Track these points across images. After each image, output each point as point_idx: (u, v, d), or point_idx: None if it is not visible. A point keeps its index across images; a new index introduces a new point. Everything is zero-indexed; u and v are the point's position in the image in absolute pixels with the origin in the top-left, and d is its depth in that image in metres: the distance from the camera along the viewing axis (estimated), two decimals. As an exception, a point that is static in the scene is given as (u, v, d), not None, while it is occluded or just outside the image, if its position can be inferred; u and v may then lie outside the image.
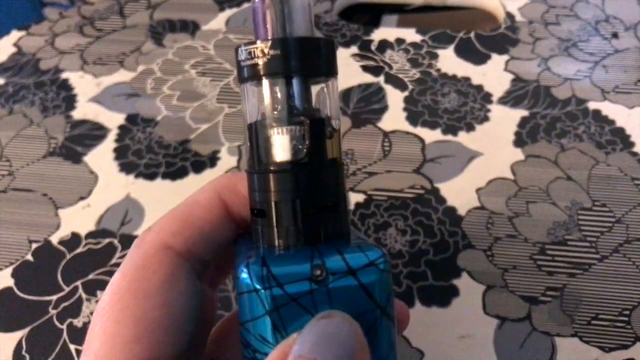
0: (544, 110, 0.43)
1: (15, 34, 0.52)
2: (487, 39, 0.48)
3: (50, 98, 0.46)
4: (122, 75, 0.47)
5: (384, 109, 0.44)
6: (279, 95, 0.21)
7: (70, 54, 0.49)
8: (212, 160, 0.42)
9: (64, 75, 0.48)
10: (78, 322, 0.34)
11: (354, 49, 0.48)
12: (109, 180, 0.41)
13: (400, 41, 0.48)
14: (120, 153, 0.43)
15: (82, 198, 0.40)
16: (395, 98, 0.44)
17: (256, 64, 0.20)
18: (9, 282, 0.36)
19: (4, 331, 0.34)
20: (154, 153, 0.42)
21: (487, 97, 0.44)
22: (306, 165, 0.20)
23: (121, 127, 0.44)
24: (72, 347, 0.33)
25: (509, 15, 0.49)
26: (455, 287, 0.35)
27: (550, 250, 0.36)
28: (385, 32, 0.49)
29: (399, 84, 0.45)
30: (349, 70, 0.46)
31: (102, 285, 0.36)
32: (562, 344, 0.32)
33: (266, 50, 0.20)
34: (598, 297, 0.34)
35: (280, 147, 0.20)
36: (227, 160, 0.42)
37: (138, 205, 0.40)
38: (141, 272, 0.20)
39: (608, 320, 0.33)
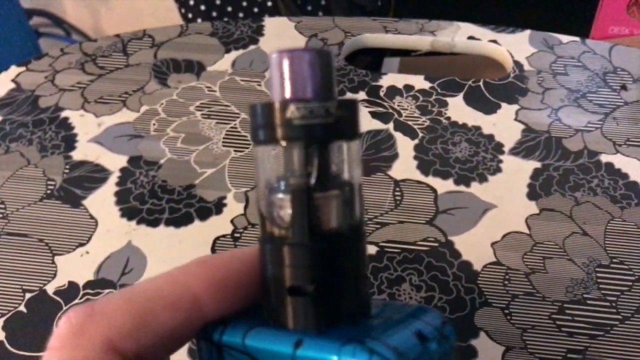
0: (556, 162, 0.42)
1: (14, 70, 0.50)
2: (496, 87, 0.47)
3: (49, 137, 0.45)
4: (125, 116, 0.46)
5: (394, 156, 0.43)
6: (320, 158, 0.19)
7: (70, 91, 0.48)
8: (218, 206, 0.40)
9: (63, 114, 0.46)
10: (75, 382, 0.32)
11: (362, 95, 0.47)
12: (109, 226, 0.40)
13: (408, 87, 0.47)
14: (121, 197, 0.41)
15: (80, 245, 0.39)
16: (405, 145, 0.43)
17: (316, 125, 0.18)
18: (0, 335, 0.34)
19: (-5, 391, 0.32)
20: (157, 198, 0.41)
21: (499, 147, 0.43)
22: (359, 236, 0.19)
23: (123, 170, 0.43)
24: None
25: (517, 64, 0.49)
26: (474, 348, 0.33)
27: (569, 310, 0.35)
28: (393, 78, 0.48)
29: (409, 131, 0.44)
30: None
31: (101, 341, 0.34)
32: (587, 413, 0.31)
33: (332, 110, 0.18)
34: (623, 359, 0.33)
35: (330, 215, 0.19)
36: (233, 206, 0.40)
37: (140, 254, 0.38)
38: None
39: (634, 387, 0.32)
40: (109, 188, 0.42)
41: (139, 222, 0.40)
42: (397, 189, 0.41)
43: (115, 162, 0.43)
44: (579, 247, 0.38)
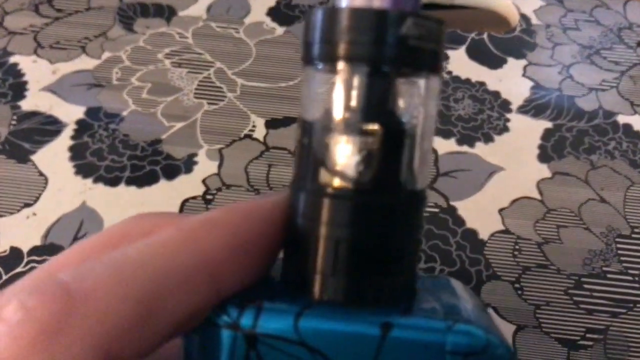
0: (569, 122, 0.38)
1: (-44, 10, 0.44)
2: (502, 41, 0.43)
3: (-6, 85, 0.39)
4: (84, 63, 0.40)
5: (389, 113, 0.38)
6: (382, 90, 0.14)
7: (22, 35, 0.42)
8: (188, 164, 0.35)
9: (13, 59, 0.40)
10: None
11: (354, 46, 0.42)
12: (61, 185, 0.34)
13: (405, 39, 0.42)
14: (76, 153, 0.36)
15: (26, 205, 0.33)
16: (401, 102, 0.39)
17: (385, 44, 0.13)
18: None
19: None
20: (118, 154, 0.35)
21: (506, 105, 0.39)
22: (410, 193, 0.15)
23: (79, 122, 0.37)
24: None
25: (524, 18, 0.45)
26: (481, 326, 0.29)
27: (587, 284, 0.31)
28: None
29: (406, 87, 0.39)
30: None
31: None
32: (613, 401, 0.27)
33: (404, 29, 0.13)
34: (647, 341, 0.29)
35: (388, 164, 0.14)
36: (206, 165, 0.35)
37: (96, 216, 0.33)
38: None
39: (664, 371, 0.28)
40: (63, 142, 0.36)
41: (95, 181, 0.34)
42: (393, 148, 0.36)
43: (70, 113, 0.37)
44: (596, 214, 0.33)
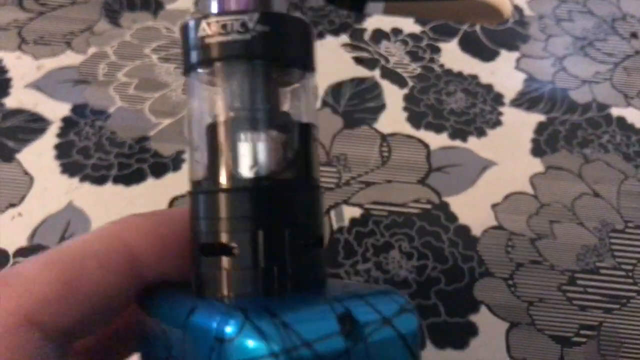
0: (563, 115, 0.37)
1: (-62, 5, 0.43)
2: (494, 32, 0.42)
3: (-23, 82, 0.38)
4: (69, 58, 0.40)
5: (380, 107, 0.37)
6: (256, 87, 0.15)
7: (5, 30, 0.41)
8: (176, 162, 0.34)
9: (-4, 55, 0.40)
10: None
11: (345, 38, 0.41)
12: (47, 184, 0.34)
13: (396, 31, 0.42)
14: (62, 151, 0.35)
15: (11, 205, 0.33)
16: (393, 96, 0.38)
17: (234, 42, 0.14)
18: None
19: None
20: (105, 152, 0.35)
21: (498, 98, 0.38)
22: (302, 184, 0.15)
23: (65, 120, 0.36)
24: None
25: (517, 9, 0.44)
26: (473, 324, 0.29)
27: (581, 280, 0.31)
28: (379, 20, 0.43)
29: (398, 80, 0.39)
30: (340, 61, 0.40)
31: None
32: (606, 399, 0.26)
33: (251, 25, 0.14)
34: (640, 337, 0.29)
35: (269, 157, 0.15)
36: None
37: (82, 216, 0.32)
38: None
39: (658, 368, 0.27)
40: (48, 140, 0.35)
41: (82, 180, 0.34)
42: (385, 144, 0.36)
43: (56, 110, 0.37)
44: (590, 209, 0.33)
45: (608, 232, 0.32)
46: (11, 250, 0.31)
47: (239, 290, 0.14)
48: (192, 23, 0.15)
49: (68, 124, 0.36)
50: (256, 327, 0.12)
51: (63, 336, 0.14)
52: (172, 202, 0.33)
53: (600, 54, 0.41)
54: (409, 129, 0.36)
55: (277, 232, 0.14)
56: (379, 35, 0.41)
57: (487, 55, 0.41)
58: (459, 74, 0.39)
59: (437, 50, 0.41)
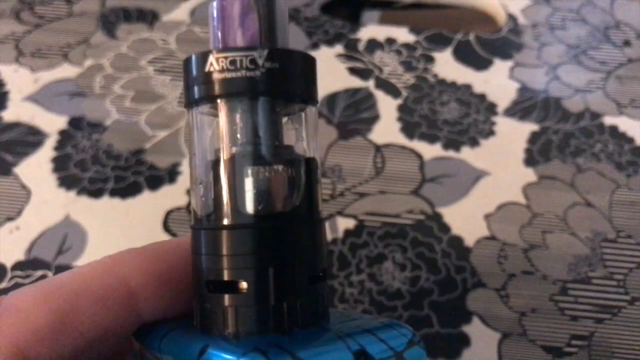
0: (556, 124, 0.38)
1: (-64, 18, 0.44)
2: (488, 41, 0.42)
3: (-25, 95, 0.39)
4: (66, 71, 0.40)
5: (374, 118, 0.38)
6: (261, 122, 0.15)
7: (2, 43, 0.41)
8: (172, 174, 0.35)
9: (-6, 69, 0.40)
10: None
11: (339, 49, 0.42)
12: (44, 198, 0.34)
13: (390, 41, 0.42)
14: (59, 164, 0.35)
15: (9, 219, 0.33)
16: (387, 106, 0.38)
17: (245, 78, 0.14)
18: None
19: None
20: (101, 165, 0.35)
21: (492, 108, 0.38)
22: (307, 218, 0.15)
23: (62, 133, 0.37)
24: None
25: (511, 17, 0.44)
26: (466, 335, 0.29)
27: (572, 290, 0.31)
28: (373, 30, 0.43)
29: (392, 90, 0.39)
30: (334, 72, 0.40)
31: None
32: (597, 410, 0.27)
33: (260, 61, 0.14)
34: (632, 347, 0.29)
35: (274, 192, 0.15)
36: (189, 175, 0.35)
37: (80, 229, 0.33)
38: None
39: (648, 378, 0.28)
40: (45, 153, 0.36)
41: (79, 193, 0.34)
42: (378, 154, 0.36)
43: (53, 123, 0.37)
44: (582, 219, 0.33)
45: (600, 241, 0.33)
46: (9, 264, 0.31)
47: (248, 327, 0.14)
48: (195, 57, 0.15)
49: (65, 137, 0.36)
50: None
51: None
52: (168, 215, 0.33)
53: (594, 62, 0.42)
54: (402, 140, 0.37)
55: (286, 269, 0.15)
56: (373, 45, 0.42)
57: (480, 64, 0.41)
58: (453, 84, 0.40)
59: (431, 59, 0.41)
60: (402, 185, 0.35)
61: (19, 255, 0.32)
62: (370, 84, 0.40)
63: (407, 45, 0.42)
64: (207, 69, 0.15)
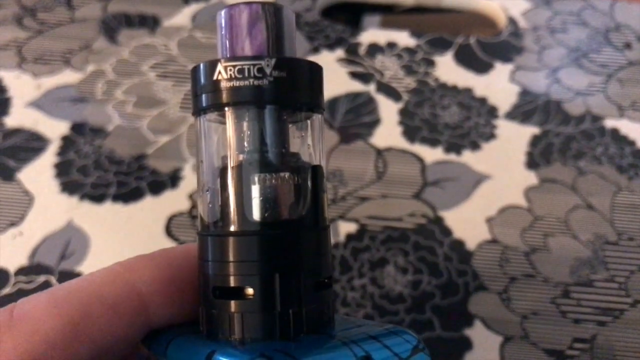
0: (557, 127, 0.38)
1: (-61, 25, 0.44)
2: (489, 45, 0.42)
3: (-22, 101, 0.39)
4: (68, 77, 0.40)
5: (375, 122, 0.38)
6: (268, 130, 0.15)
7: (5, 49, 0.42)
8: (174, 179, 0.35)
9: (-4, 75, 0.40)
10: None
11: (340, 53, 0.42)
12: (47, 203, 0.34)
13: (391, 45, 0.42)
14: (62, 169, 0.35)
15: (12, 224, 0.33)
16: (388, 110, 0.39)
17: (252, 87, 0.15)
18: None
19: None
20: (104, 170, 0.35)
21: (493, 111, 0.39)
22: (314, 225, 0.16)
23: (64, 138, 0.37)
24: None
25: (512, 21, 0.44)
26: (468, 338, 0.29)
27: (574, 293, 0.31)
28: (374, 34, 0.43)
29: (392, 94, 0.39)
30: (335, 76, 0.40)
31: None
32: (599, 413, 0.27)
33: (268, 70, 0.15)
34: (634, 349, 0.29)
35: (282, 199, 0.15)
36: (191, 179, 0.35)
37: (82, 235, 0.33)
38: None
39: (651, 381, 0.28)
40: (48, 159, 0.36)
41: (81, 198, 0.34)
42: (380, 158, 0.36)
43: (55, 129, 0.37)
44: (583, 222, 0.33)
45: (601, 244, 0.33)
46: (12, 269, 0.32)
47: (254, 333, 0.14)
48: (203, 65, 0.15)
49: (67, 142, 0.37)
50: None
51: None
52: (170, 220, 0.33)
53: (594, 65, 0.42)
54: (403, 143, 0.37)
55: (293, 275, 0.15)
56: (374, 49, 0.42)
57: (481, 67, 0.41)
58: (454, 88, 0.40)
59: (432, 63, 0.41)
60: (404, 189, 0.35)
61: (22, 260, 0.32)
62: (371, 88, 0.40)
63: (408, 49, 0.42)
64: (215, 77, 0.15)
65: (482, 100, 0.39)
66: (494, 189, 0.35)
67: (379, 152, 0.36)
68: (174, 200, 0.34)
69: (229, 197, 0.15)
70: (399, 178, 0.35)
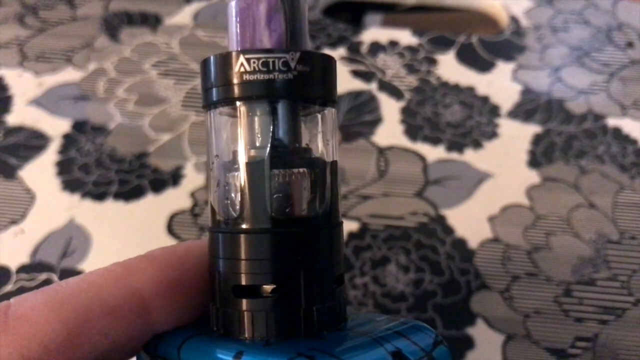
0: (559, 126, 0.38)
1: (-59, 23, 0.44)
2: (491, 44, 0.42)
3: (-20, 99, 0.39)
4: (70, 75, 0.40)
5: (377, 121, 0.38)
6: (284, 125, 0.15)
7: (6, 47, 0.42)
8: (175, 177, 0.35)
9: (-2, 73, 0.40)
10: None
11: (342, 51, 0.42)
12: (48, 201, 0.34)
13: (393, 44, 0.42)
14: (63, 167, 0.35)
15: (13, 222, 0.33)
16: (390, 109, 0.38)
17: (279, 80, 0.14)
18: None
19: None
20: (105, 168, 0.35)
21: (495, 110, 0.38)
22: (330, 221, 0.15)
23: (66, 136, 0.37)
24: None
25: (514, 19, 0.44)
26: (470, 337, 0.29)
27: (576, 292, 0.31)
28: (376, 32, 0.43)
29: (394, 93, 0.39)
30: (337, 75, 0.40)
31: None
32: (602, 412, 0.27)
33: (293, 64, 0.14)
34: (636, 348, 0.29)
35: (299, 195, 0.15)
36: (193, 177, 0.35)
37: (84, 233, 0.33)
38: None
39: (653, 380, 0.28)
40: (49, 157, 0.36)
41: (83, 196, 0.34)
42: (382, 157, 0.36)
43: (57, 127, 0.37)
44: (585, 220, 0.33)
45: (604, 243, 0.32)
46: (14, 266, 0.31)
47: (279, 331, 0.14)
48: (218, 58, 0.15)
49: (69, 140, 0.37)
50: None
51: None
52: (172, 218, 0.33)
53: (597, 64, 0.41)
54: (405, 142, 0.37)
55: (315, 272, 0.14)
56: (375, 48, 0.42)
57: (483, 66, 0.41)
58: (456, 86, 0.40)
59: (433, 62, 0.41)
60: (406, 188, 0.35)
61: (23, 258, 0.32)
62: (373, 86, 0.40)
63: (409, 48, 0.42)
64: (236, 70, 0.14)
65: (484, 99, 0.39)
66: (496, 188, 0.35)
67: (381, 151, 0.36)
68: (176, 199, 0.34)
69: (245, 194, 0.14)
70: (401, 176, 0.35)
